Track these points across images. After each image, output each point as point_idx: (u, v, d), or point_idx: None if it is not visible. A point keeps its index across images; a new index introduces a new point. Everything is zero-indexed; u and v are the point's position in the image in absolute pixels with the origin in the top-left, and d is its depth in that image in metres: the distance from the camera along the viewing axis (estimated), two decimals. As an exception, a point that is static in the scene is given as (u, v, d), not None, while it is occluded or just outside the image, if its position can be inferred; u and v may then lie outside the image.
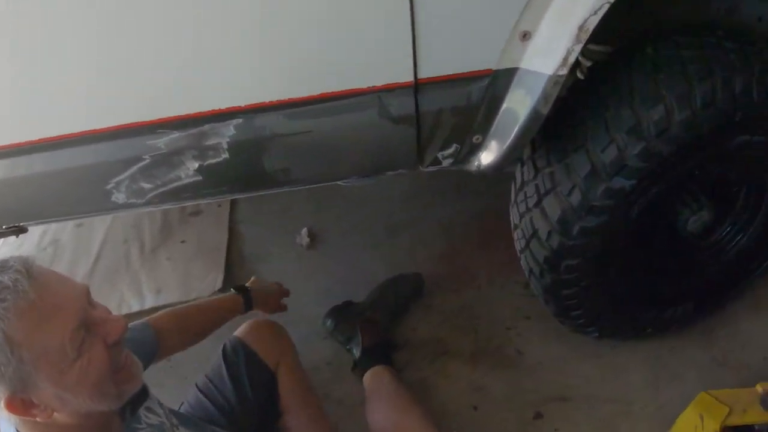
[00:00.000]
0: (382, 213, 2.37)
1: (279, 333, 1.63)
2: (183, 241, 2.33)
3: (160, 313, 1.49)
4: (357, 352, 1.82)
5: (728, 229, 1.69)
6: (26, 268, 0.87)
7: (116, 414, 1.03)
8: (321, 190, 2.48)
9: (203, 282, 2.16)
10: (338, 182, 1.56)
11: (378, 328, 1.86)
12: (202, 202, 1.55)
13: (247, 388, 1.49)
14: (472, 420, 1.69)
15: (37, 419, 0.90)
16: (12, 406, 0.87)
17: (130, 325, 1.24)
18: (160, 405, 1.19)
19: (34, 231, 2.51)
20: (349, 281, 2.11)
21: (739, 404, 1.42)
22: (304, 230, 2.30)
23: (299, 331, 1.93)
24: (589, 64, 1.39)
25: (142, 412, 1.11)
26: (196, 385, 1.51)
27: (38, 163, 1.36)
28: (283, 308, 1.81)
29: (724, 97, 1.31)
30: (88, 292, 0.95)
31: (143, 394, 1.12)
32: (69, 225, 2.49)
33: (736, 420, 1.41)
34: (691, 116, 1.31)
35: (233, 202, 2.50)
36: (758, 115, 1.37)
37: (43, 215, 1.55)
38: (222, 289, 2.13)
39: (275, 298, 1.79)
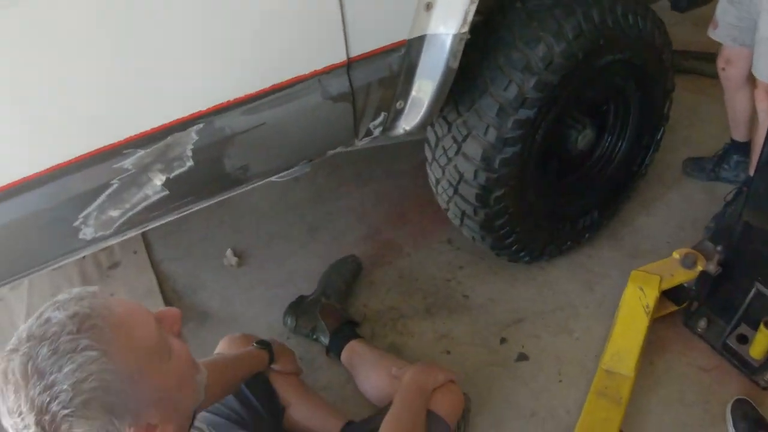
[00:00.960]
0: (295, 219, 2.49)
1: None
2: (112, 295, 2.27)
3: None
4: (325, 338, 1.92)
5: (608, 140, 2.04)
6: (90, 292, 0.86)
7: None
8: (230, 211, 2.55)
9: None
10: (273, 178, 1.67)
11: (337, 310, 1.98)
12: (168, 219, 1.58)
13: (250, 397, 1.56)
14: (448, 362, 1.86)
15: None
16: None
17: None
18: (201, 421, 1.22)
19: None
20: (290, 283, 2.20)
21: (666, 271, 1.74)
22: (229, 251, 2.36)
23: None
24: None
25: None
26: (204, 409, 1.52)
27: (2, 214, 1.33)
28: (300, 369, 1.74)
29: (588, 27, 1.63)
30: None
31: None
32: (-22, 311, 2.34)
33: (668, 283, 1.72)
34: (567, 47, 1.61)
35: (147, 245, 2.47)
36: (615, 37, 1.70)
37: (7, 273, 1.50)
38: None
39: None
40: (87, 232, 1.43)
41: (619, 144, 2.03)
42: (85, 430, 0.78)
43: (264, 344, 1.63)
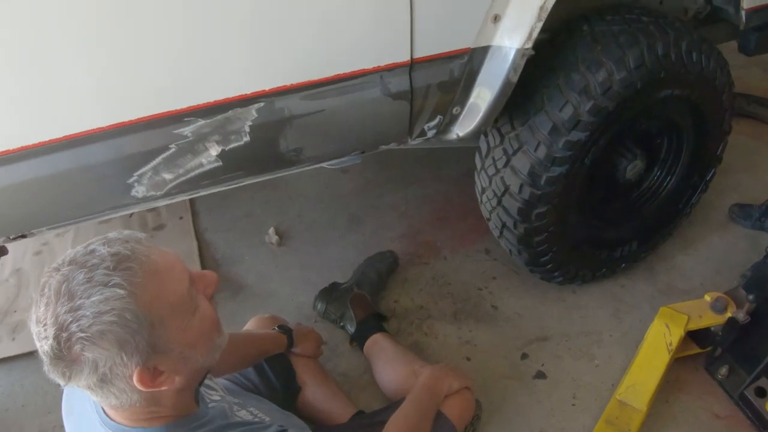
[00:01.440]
0: (339, 207, 2.55)
1: (278, 320, 1.80)
2: (156, 251, 2.37)
3: None
4: (352, 327, 1.97)
5: (658, 174, 2.04)
6: (137, 237, 0.92)
7: (192, 394, 1.06)
8: (277, 193, 2.63)
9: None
10: (324, 165, 1.73)
11: (367, 301, 2.02)
12: (215, 190, 1.63)
13: (267, 370, 1.65)
14: (468, 369, 1.89)
15: (164, 388, 0.92)
16: (143, 378, 0.88)
17: None
18: (212, 379, 1.26)
19: (-2, 264, 2.46)
20: (325, 269, 2.26)
21: (695, 312, 1.73)
22: (271, 229, 2.43)
23: (290, 319, 2.07)
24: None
25: (203, 390, 1.15)
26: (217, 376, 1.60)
27: (64, 162, 1.40)
28: (320, 352, 1.81)
29: (650, 59, 1.63)
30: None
31: None
32: (28, 253, 2.45)
33: (695, 324, 1.71)
34: (627, 76, 1.62)
35: (194, 213, 2.57)
36: (676, 72, 1.70)
37: (59, 219, 1.59)
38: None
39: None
40: (139, 190, 1.50)
41: (668, 179, 2.02)
42: (95, 356, 0.84)
43: (285, 329, 1.70)
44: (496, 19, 1.51)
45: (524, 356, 1.92)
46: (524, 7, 1.49)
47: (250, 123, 1.45)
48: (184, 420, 1.02)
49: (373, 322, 1.96)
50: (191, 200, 2.61)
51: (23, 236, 1.60)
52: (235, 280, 2.26)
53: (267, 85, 1.41)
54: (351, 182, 2.67)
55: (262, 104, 1.43)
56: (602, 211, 1.99)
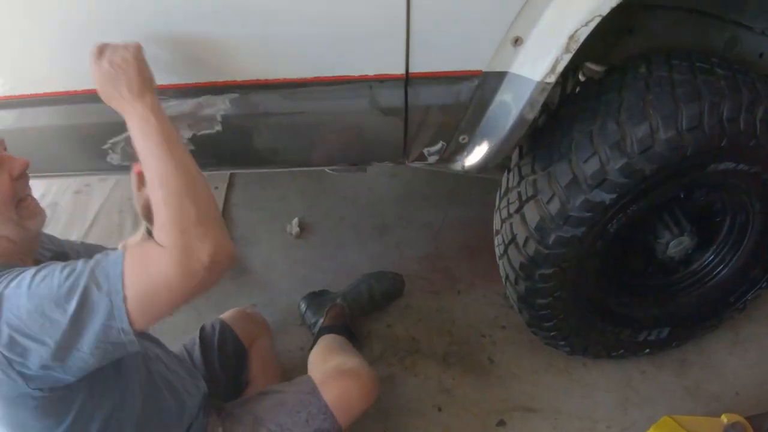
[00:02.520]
0: (372, 212, 2.40)
1: (257, 318, 1.79)
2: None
3: None
4: (316, 330, 1.85)
5: (710, 258, 1.70)
6: None
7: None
8: (317, 184, 2.52)
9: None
10: (325, 169, 1.59)
11: (344, 315, 1.88)
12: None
13: (215, 360, 1.62)
14: (435, 420, 1.70)
15: None
16: None
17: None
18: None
19: (33, 192, 2.54)
20: (331, 273, 2.14)
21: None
22: (295, 220, 2.33)
23: (276, 315, 1.99)
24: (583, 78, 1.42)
25: None
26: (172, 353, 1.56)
27: (43, 117, 1.39)
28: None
29: (710, 121, 1.33)
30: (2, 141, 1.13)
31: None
32: (69, 191, 2.54)
33: (695, 450, 1.41)
34: (676, 137, 1.33)
35: (230, 185, 2.53)
36: (744, 143, 1.38)
37: (44, 169, 1.58)
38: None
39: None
40: (114, 158, 1.47)
41: (722, 267, 1.68)
42: None
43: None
44: (517, 41, 1.28)
45: (501, 423, 1.69)
46: (552, 32, 1.25)
47: (223, 112, 1.34)
48: None
49: (336, 331, 1.81)
50: (233, 174, 2.57)
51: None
52: (241, 262, 2.19)
53: (241, 77, 1.29)
54: (394, 189, 2.51)
55: (235, 95, 1.31)
56: (632, 285, 1.69)
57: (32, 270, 0.98)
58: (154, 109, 1.07)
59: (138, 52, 1.10)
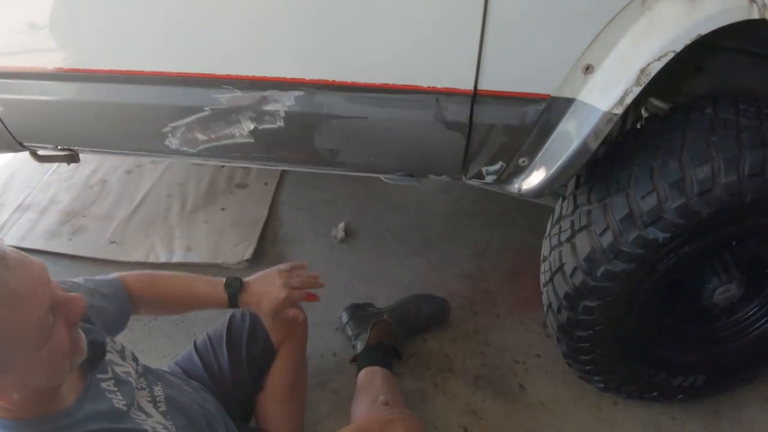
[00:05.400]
0: (420, 224, 2.40)
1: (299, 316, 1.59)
2: (223, 209, 2.41)
3: (132, 273, 1.38)
4: (360, 347, 1.85)
5: (755, 309, 1.66)
6: (6, 255, 0.85)
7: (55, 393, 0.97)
8: (366, 190, 2.54)
9: (233, 250, 2.22)
10: (381, 176, 1.61)
11: (389, 332, 1.87)
12: (247, 165, 1.60)
13: (243, 357, 1.49)
14: (459, 440, 1.69)
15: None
16: None
17: (99, 277, 1.30)
18: (124, 351, 1.17)
19: (85, 168, 2.64)
20: (372, 282, 2.14)
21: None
22: (342, 224, 2.35)
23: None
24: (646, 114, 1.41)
25: (111, 365, 1.09)
26: (195, 342, 1.53)
27: (105, 93, 1.44)
28: (298, 317, 1.53)
29: (775, 169, 1.31)
30: (47, 272, 0.91)
31: (100, 351, 1.07)
32: (119, 169, 2.61)
33: None
34: (737, 182, 1.30)
35: (280, 183, 2.57)
36: (807, 198, 1.34)
37: (98, 144, 1.64)
38: (251, 260, 2.19)
39: (276, 303, 1.44)
40: (173, 142, 1.51)
41: (765, 320, 1.64)
42: None
43: (230, 285, 1.41)
44: (588, 69, 1.28)
45: (525, 453, 1.67)
46: (624, 64, 1.24)
47: (286, 109, 1.38)
48: (36, 420, 0.93)
49: (381, 352, 1.81)
50: (284, 172, 2.61)
51: (70, 150, 1.67)
52: (282, 260, 2.21)
53: (308, 75, 1.32)
54: (443, 204, 2.51)
55: (301, 93, 1.35)
56: (672, 329, 1.66)
57: None
58: None
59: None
